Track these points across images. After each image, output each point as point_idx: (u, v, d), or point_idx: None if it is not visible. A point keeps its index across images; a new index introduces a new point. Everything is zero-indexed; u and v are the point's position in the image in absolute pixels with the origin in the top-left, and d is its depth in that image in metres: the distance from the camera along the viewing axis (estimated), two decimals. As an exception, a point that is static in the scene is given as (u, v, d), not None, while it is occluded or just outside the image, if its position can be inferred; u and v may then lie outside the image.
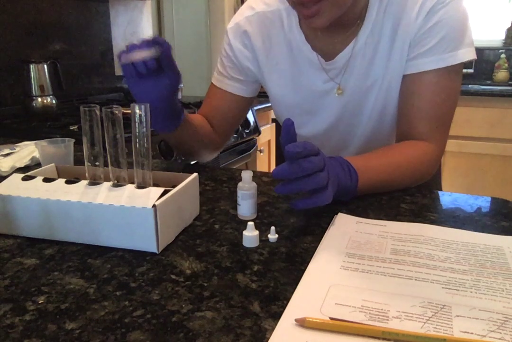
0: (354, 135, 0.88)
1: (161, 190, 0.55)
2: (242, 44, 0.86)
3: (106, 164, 0.58)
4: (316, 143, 0.61)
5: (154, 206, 0.52)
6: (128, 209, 0.53)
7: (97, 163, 0.57)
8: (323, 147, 0.88)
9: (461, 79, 0.78)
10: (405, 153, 0.75)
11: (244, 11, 0.86)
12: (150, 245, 0.53)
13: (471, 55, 0.74)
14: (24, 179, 0.59)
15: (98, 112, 0.55)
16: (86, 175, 0.58)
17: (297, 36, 0.82)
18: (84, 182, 0.58)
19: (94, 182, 0.58)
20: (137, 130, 0.54)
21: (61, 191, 0.56)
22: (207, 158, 0.95)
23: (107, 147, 0.55)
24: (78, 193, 0.56)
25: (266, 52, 0.85)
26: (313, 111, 0.87)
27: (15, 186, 0.58)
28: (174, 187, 0.58)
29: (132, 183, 0.57)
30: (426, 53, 0.73)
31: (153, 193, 0.54)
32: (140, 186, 0.56)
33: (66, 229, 0.56)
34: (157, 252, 0.54)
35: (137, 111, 0.53)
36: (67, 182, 0.58)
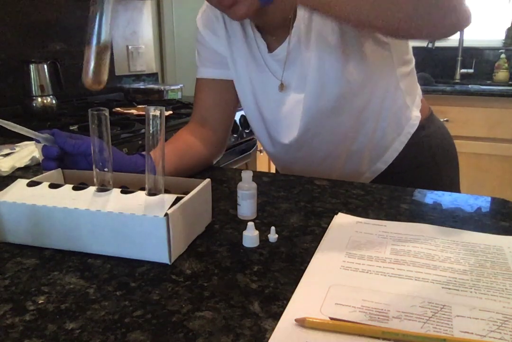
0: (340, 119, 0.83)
1: (173, 197, 0.52)
2: (209, 29, 0.90)
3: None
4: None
5: (166, 214, 0.49)
6: (138, 218, 0.50)
7: (106, 169, 0.54)
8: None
9: None
10: None
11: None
12: (161, 256, 0.51)
13: None
14: (29, 184, 0.56)
15: (107, 115, 0.53)
16: (95, 180, 0.55)
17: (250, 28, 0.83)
18: (92, 188, 0.55)
19: (102, 188, 0.55)
20: (150, 132, 0.51)
21: (68, 198, 0.53)
22: (214, 161, 0.94)
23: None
24: (86, 200, 0.53)
25: (228, 38, 0.87)
26: None
27: (20, 193, 0.55)
28: (185, 193, 0.55)
29: (142, 188, 0.54)
30: None
31: (166, 200, 0.52)
32: (151, 193, 0.53)
33: (73, 238, 0.53)
34: (169, 263, 0.51)
35: (151, 112, 0.50)
36: (75, 188, 0.55)
